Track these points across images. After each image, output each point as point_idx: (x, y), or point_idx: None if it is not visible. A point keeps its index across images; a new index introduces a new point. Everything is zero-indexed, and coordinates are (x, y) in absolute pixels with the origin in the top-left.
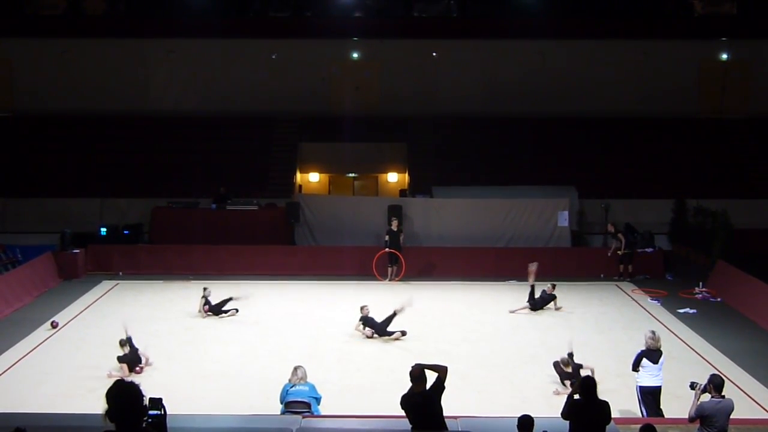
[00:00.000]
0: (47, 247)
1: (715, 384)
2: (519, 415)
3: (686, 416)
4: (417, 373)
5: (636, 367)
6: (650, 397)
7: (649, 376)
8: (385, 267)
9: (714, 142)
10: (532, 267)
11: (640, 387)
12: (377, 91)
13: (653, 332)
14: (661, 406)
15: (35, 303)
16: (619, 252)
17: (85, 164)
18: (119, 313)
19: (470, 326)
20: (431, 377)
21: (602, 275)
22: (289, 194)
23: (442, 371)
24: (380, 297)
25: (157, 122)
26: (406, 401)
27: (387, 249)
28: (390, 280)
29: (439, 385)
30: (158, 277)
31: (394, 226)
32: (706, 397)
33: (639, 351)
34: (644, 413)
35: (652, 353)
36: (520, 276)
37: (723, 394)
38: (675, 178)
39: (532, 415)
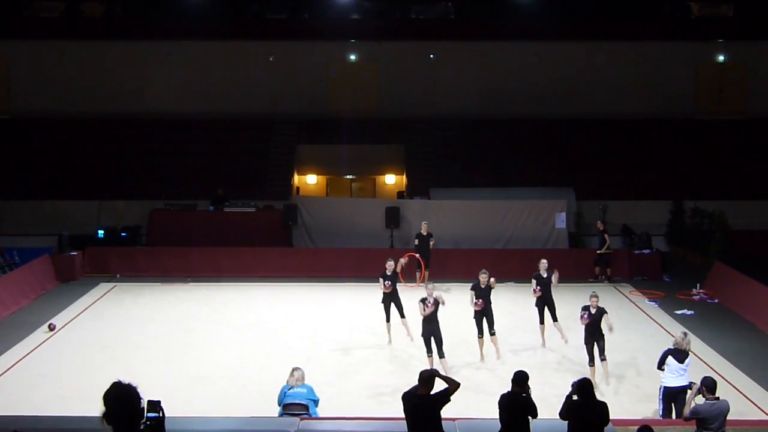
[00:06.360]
0: (45, 250)
1: (708, 386)
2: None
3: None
4: (426, 376)
5: (660, 365)
6: (671, 398)
7: (672, 376)
8: (413, 271)
9: (711, 144)
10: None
11: (665, 387)
12: (375, 93)
13: (684, 333)
14: (675, 407)
15: (33, 305)
16: (598, 251)
17: (82, 166)
18: (117, 316)
19: (467, 328)
20: (439, 386)
21: (601, 277)
22: (287, 196)
23: (453, 385)
24: (376, 298)
25: (154, 124)
26: (407, 400)
27: (417, 255)
28: (418, 284)
29: (445, 396)
30: (156, 279)
31: (424, 230)
32: (700, 399)
33: (665, 349)
34: (661, 413)
35: (678, 353)
36: (519, 277)
37: (717, 395)
38: (672, 180)
39: (530, 417)
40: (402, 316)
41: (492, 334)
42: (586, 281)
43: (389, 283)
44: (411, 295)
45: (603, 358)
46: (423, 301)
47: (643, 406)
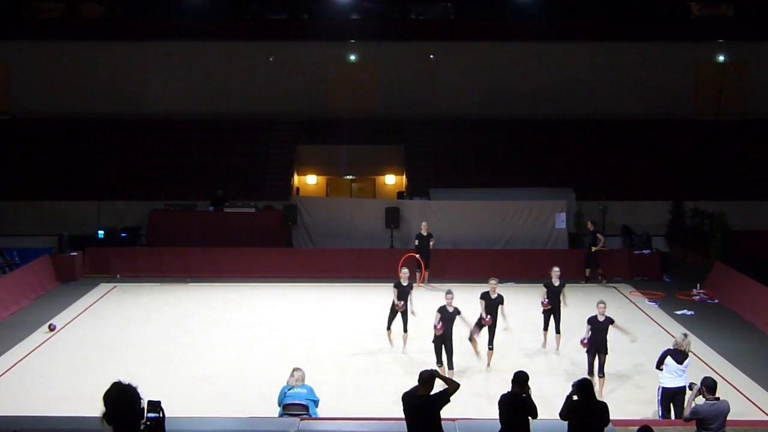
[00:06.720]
0: (45, 250)
1: (708, 386)
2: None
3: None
4: (426, 376)
5: (659, 365)
6: (668, 399)
7: (670, 377)
8: (414, 271)
9: (711, 144)
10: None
11: (663, 388)
12: (375, 94)
13: (685, 335)
14: (673, 408)
15: (33, 306)
16: (593, 248)
17: (82, 167)
18: (117, 316)
19: (467, 329)
20: (439, 387)
21: (600, 277)
22: (287, 197)
23: (452, 386)
24: (376, 299)
25: (154, 124)
26: (407, 400)
27: (417, 255)
28: (418, 284)
29: (444, 397)
30: (156, 279)
31: (424, 230)
32: (700, 400)
33: (665, 349)
34: (660, 414)
35: (678, 353)
36: (518, 278)
37: (717, 395)
38: (672, 180)
39: (529, 418)
40: (405, 330)
41: (490, 348)
42: (577, 282)
43: (403, 303)
44: (413, 296)
45: (601, 375)
46: (441, 310)
47: (643, 407)
